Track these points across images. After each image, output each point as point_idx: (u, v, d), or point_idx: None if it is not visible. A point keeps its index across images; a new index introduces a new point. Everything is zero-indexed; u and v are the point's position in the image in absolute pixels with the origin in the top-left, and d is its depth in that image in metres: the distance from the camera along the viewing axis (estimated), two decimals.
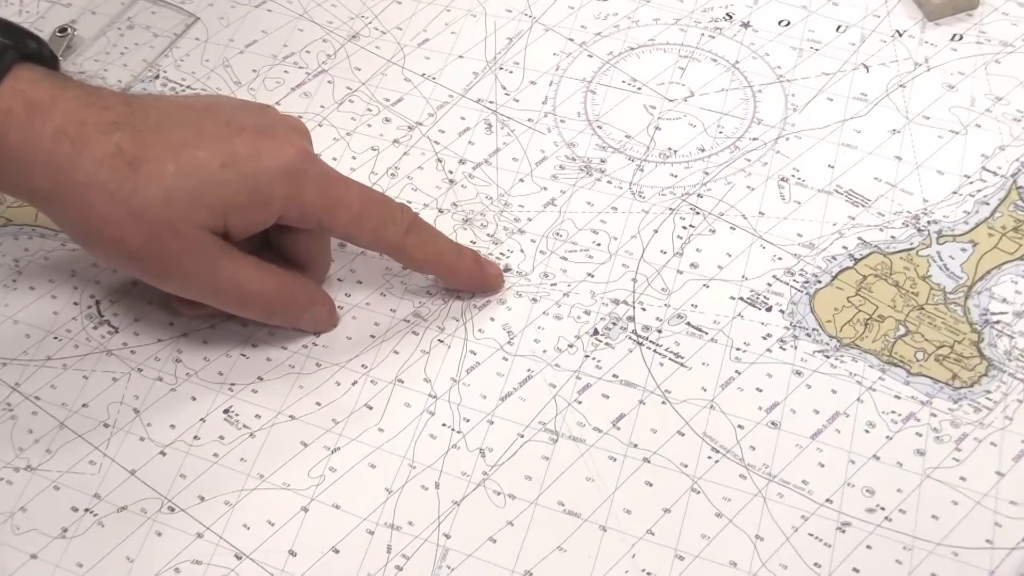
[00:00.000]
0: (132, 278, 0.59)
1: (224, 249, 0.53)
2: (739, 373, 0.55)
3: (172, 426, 0.55)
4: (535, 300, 0.58)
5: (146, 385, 0.57)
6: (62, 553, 0.52)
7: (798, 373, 0.55)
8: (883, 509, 0.51)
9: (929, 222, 0.58)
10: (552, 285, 0.58)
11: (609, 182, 0.61)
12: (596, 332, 0.57)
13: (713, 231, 0.59)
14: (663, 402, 0.54)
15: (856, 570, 0.50)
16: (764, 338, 0.56)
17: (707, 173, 0.61)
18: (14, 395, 0.57)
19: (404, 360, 0.56)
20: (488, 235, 0.60)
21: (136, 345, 0.58)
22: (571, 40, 0.67)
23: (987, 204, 0.59)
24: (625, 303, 0.57)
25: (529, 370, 0.56)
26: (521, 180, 0.62)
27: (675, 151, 0.62)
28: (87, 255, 0.59)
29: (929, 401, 0.53)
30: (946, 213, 0.59)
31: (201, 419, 0.56)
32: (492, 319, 0.57)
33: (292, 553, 0.52)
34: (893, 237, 0.58)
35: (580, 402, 0.55)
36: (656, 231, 0.59)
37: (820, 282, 0.57)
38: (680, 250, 0.59)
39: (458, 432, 0.54)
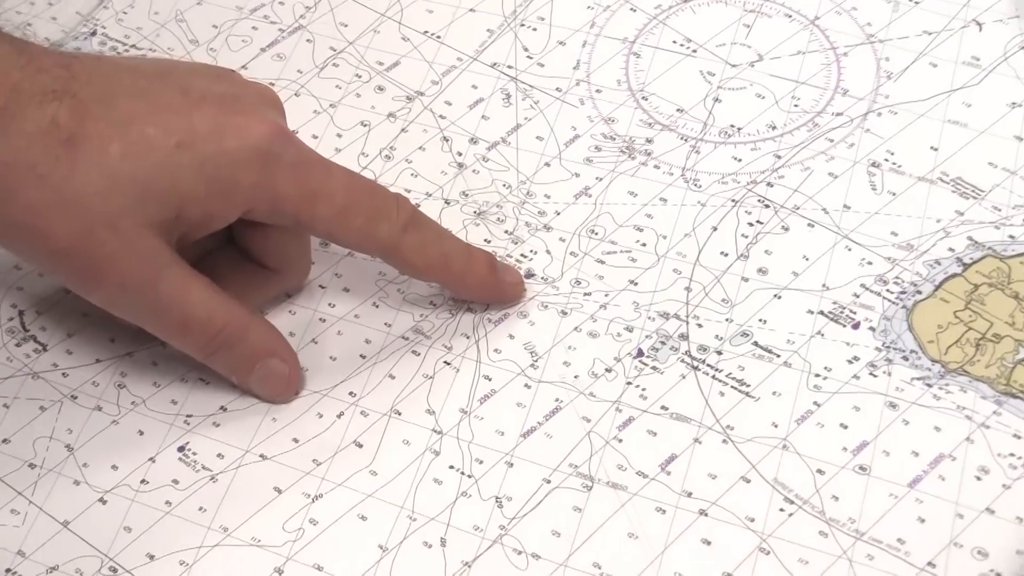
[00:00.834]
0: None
1: (172, 259, 0.54)
2: (818, 405, 0.55)
3: (114, 467, 0.56)
4: (564, 313, 0.58)
5: (82, 416, 0.57)
6: None
7: (892, 406, 0.55)
8: (998, 575, 0.51)
9: None
10: (586, 295, 0.58)
11: (657, 167, 0.62)
12: (641, 353, 0.57)
13: (786, 229, 0.59)
14: (724, 440, 0.54)
15: None
16: (850, 362, 0.56)
17: (779, 157, 0.61)
18: None
19: (402, 387, 0.57)
20: (506, 232, 0.60)
21: (69, 367, 0.58)
22: None
23: None
24: (677, 317, 0.57)
25: (557, 400, 0.56)
26: (547, 164, 0.62)
27: (739, 129, 0.62)
28: (5, 252, 0.59)
29: None
30: None
31: (150, 459, 0.56)
32: (511, 336, 0.58)
33: None
34: (1012, 237, 0.58)
35: (620, 440, 0.55)
36: (715, 228, 0.60)
37: (920, 293, 0.57)
38: (745, 252, 0.59)
39: (469, 476, 0.54)
